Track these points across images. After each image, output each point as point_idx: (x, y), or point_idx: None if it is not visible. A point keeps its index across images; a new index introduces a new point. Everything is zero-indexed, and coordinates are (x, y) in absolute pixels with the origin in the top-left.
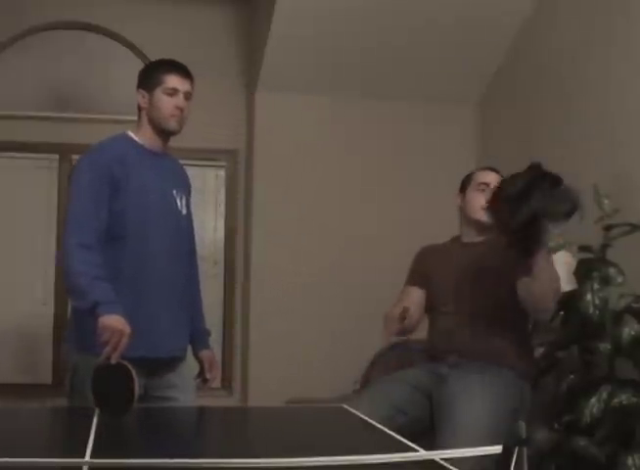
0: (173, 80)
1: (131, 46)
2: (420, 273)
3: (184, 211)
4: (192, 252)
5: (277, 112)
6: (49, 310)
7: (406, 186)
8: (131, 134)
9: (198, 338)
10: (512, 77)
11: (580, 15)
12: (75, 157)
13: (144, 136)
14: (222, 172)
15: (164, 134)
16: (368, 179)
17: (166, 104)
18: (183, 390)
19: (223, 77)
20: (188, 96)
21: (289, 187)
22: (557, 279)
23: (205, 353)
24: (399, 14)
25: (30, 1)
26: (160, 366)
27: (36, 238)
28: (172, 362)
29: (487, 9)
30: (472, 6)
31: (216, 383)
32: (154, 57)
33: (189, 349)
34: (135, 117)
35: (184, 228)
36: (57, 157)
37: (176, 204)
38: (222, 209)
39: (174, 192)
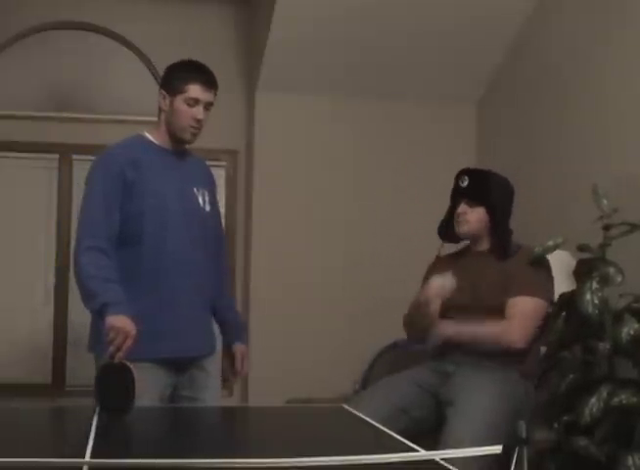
0: (196, 90)
1: (131, 46)
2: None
3: (207, 208)
4: (219, 247)
5: (277, 112)
6: (49, 310)
7: (406, 186)
8: (147, 135)
9: (232, 331)
10: (512, 77)
11: (580, 15)
12: (76, 157)
13: (161, 136)
14: (222, 172)
15: (177, 141)
16: (368, 179)
17: (185, 114)
18: (211, 391)
19: (223, 77)
20: (209, 106)
21: (289, 187)
22: (486, 339)
23: (239, 347)
24: (399, 13)
25: (30, 1)
26: (186, 364)
27: (36, 238)
28: (199, 359)
29: (487, 9)
30: (472, 6)
31: None
32: (154, 57)
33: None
34: (134, 117)
35: (209, 225)
36: (57, 157)
37: (198, 202)
38: (222, 209)
39: (195, 189)
